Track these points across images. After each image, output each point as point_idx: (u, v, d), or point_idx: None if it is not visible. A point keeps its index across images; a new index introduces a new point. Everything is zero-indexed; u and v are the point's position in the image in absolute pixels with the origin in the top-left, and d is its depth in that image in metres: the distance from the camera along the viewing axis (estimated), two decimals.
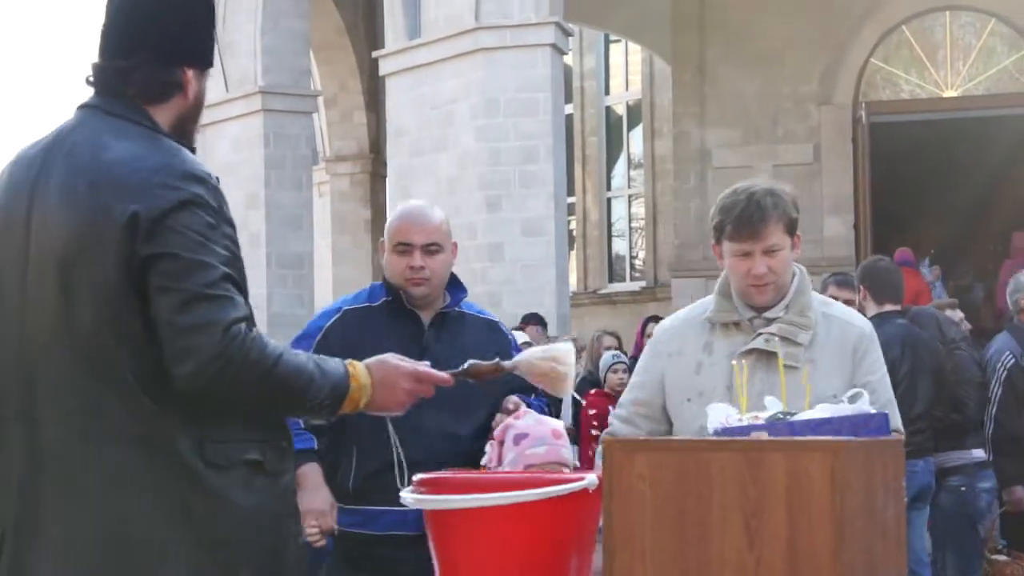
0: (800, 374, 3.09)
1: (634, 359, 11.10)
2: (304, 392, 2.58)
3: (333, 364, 2.67)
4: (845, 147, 16.59)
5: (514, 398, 3.58)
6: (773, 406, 2.82)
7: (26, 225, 2.60)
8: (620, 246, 21.33)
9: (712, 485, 2.38)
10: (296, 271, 15.41)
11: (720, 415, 2.77)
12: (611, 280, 20.97)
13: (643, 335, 11.12)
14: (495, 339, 3.82)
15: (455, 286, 3.89)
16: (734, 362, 3.16)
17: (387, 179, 15.00)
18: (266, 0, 15.63)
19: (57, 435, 2.53)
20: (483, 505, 2.64)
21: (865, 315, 6.88)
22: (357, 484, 3.63)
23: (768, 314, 3.35)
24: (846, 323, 3.39)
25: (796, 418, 2.65)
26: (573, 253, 20.28)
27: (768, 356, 3.25)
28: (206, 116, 3.39)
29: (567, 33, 13.34)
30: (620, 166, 21.51)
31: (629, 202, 21.15)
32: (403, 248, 3.80)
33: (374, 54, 14.52)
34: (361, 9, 20.14)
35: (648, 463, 2.43)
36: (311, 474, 3.58)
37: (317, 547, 3.51)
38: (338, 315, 3.80)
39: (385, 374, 2.74)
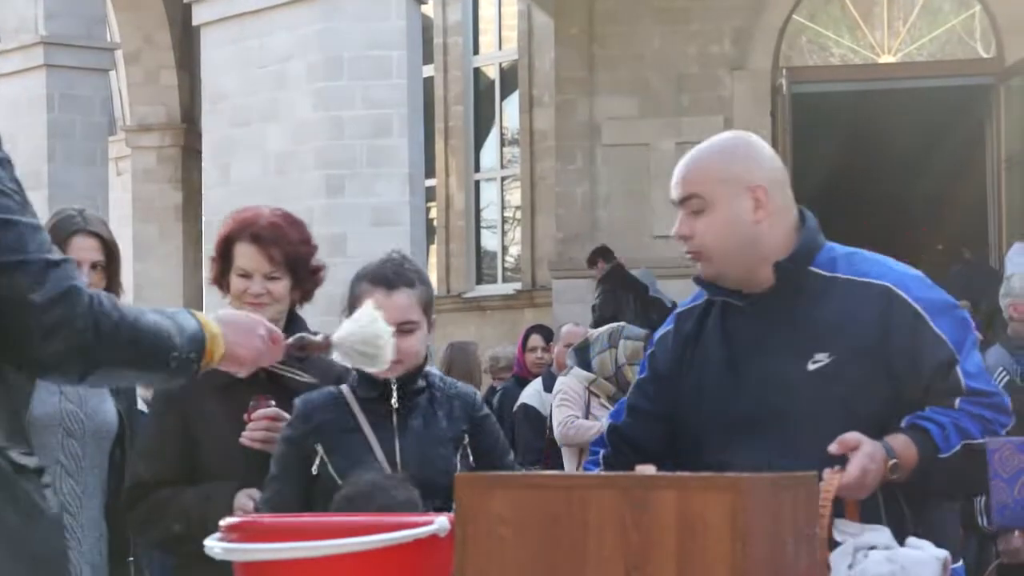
0: None
1: (517, 379, 11.11)
2: (169, 346, 2.76)
3: (182, 314, 2.86)
4: (762, 121, 16.82)
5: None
6: None
7: None
8: (491, 240, 21.39)
9: (587, 530, 2.38)
10: None
11: None
12: (479, 282, 21.03)
13: (525, 350, 11.13)
14: (883, 309, 3.28)
15: (807, 241, 3.42)
16: None
17: (203, 155, 14.87)
18: None
19: None
20: (307, 556, 2.63)
21: None
22: None
23: None
24: None
25: None
26: (433, 248, 20.30)
27: None
28: None
29: None
30: (491, 142, 21.57)
31: (502, 186, 21.22)
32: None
33: None
34: None
35: (509, 502, 2.43)
36: None
37: None
38: (671, 325, 3.55)
39: (236, 318, 3.00)
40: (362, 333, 3.25)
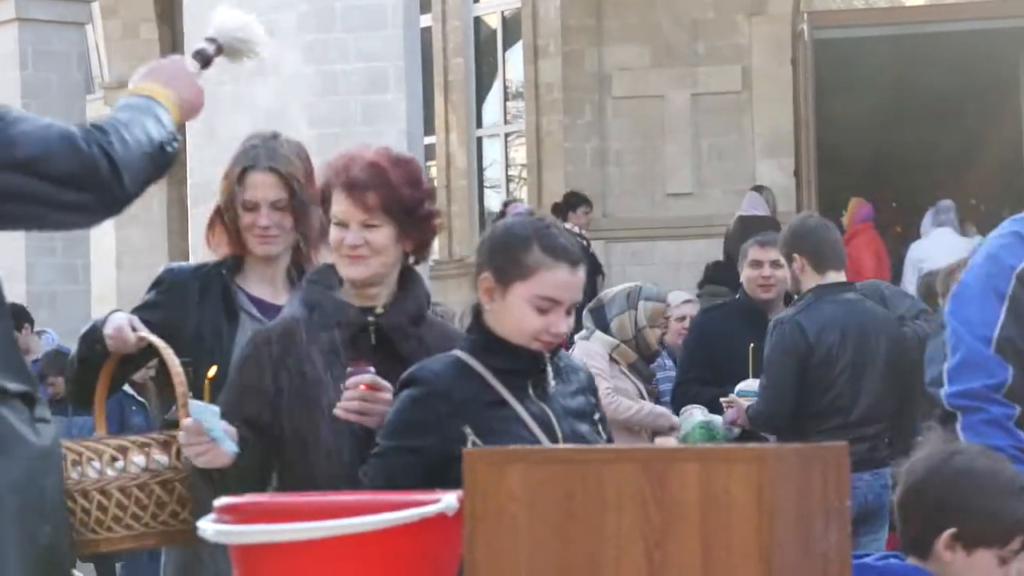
0: None
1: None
2: (157, 134, 3.17)
3: (123, 99, 3.30)
4: (783, 69, 16.78)
5: None
6: None
7: None
8: (495, 201, 21.36)
9: (605, 507, 2.39)
10: (66, 235, 15.19)
11: None
12: None
13: None
14: None
15: None
16: None
17: None
18: None
19: None
20: (305, 537, 2.64)
21: (802, 289, 7.08)
22: None
23: None
24: None
25: None
26: None
27: None
28: None
29: None
30: (494, 96, 21.52)
31: (506, 143, 21.18)
32: None
33: None
34: None
35: (522, 479, 2.44)
36: None
37: None
38: None
39: (169, 70, 3.42)
40: (232, 21, 3.84)
